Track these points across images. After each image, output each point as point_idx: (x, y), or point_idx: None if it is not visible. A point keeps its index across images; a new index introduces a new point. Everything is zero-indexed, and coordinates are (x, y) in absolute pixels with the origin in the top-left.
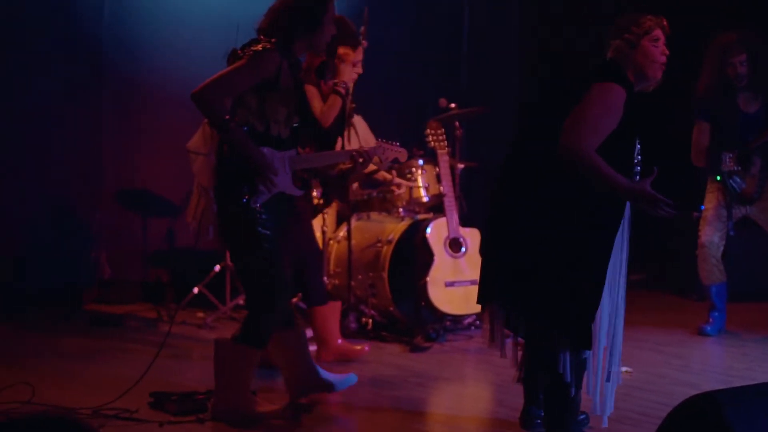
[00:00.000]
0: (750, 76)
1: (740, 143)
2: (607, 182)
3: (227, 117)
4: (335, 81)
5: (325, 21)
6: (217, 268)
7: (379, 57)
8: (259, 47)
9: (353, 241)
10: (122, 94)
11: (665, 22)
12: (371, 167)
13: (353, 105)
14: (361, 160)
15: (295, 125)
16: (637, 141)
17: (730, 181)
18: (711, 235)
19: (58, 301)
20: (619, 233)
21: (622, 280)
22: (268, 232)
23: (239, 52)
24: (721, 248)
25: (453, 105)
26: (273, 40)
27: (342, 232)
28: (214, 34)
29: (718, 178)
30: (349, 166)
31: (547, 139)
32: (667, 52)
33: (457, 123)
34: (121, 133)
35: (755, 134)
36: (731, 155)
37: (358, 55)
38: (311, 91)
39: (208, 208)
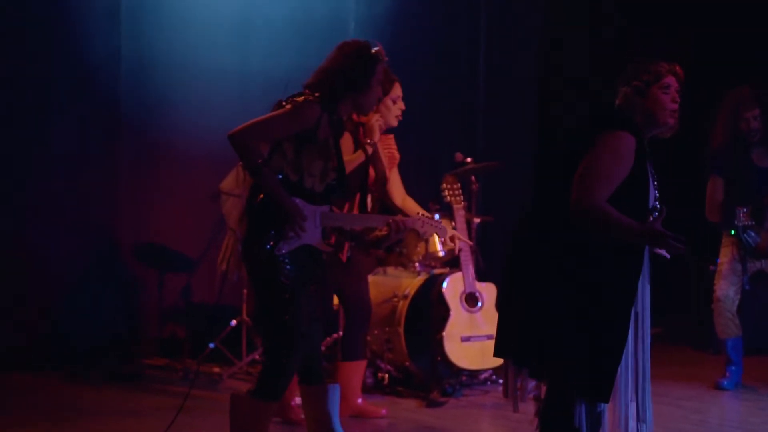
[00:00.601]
0: (763, 130)
1: (754, 198)
2: (620, 230)
3: (261, 161)
4: (368, 140)
5: (373, 83)
6: (234, 323)
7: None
8: (302, 99)
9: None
10: (139, 149)
11: (679, 69)
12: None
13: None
14: (396, 230)
15: (331, 182)
16: (655, 188)
17: (745, 235)
18: (726, 289)
19: (76, 355)
20: (639, 283)
21: (647, 334)
22: (288, 282)
23: (283, 102)
24: (737, 302)
25: (469, 159)
26: (317, 94)
27: None
28: (228, 90)
29: (733, 232)
30: (384, 233)
31: (560, 192)
32: (678, 100)
33: (473, 177)
34: (137, 187)
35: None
36: (745, 210)
37: (397, 91)
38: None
39: (235, 251)
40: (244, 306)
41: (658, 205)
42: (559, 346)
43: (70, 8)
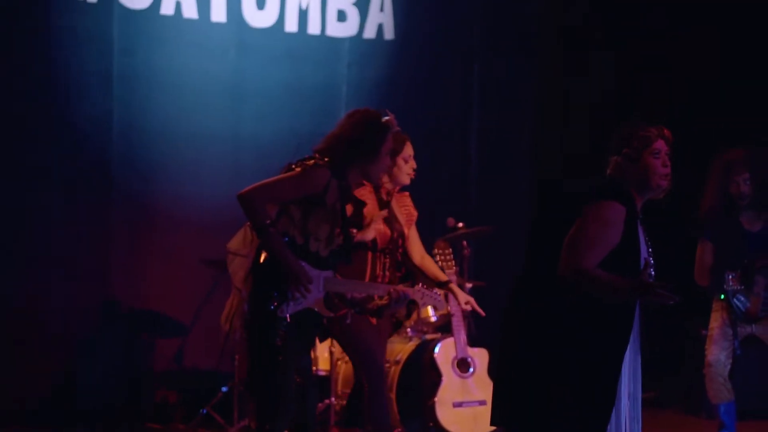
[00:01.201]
0: (753, 194)
1: (743, 262)
2: (609, 289)
3: (268, 222)
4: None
5: (382, 152)
6: (225, 388)
7: None
8: (311, 162)
9: None
10: (130, 213)
11: (666, 132)
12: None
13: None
14: (397, 299)
15: (337, 248)
16: (649, 255)
17: (734, 300)
18: (718, 354)
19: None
20: (629, 348)
21: (638, 398)
22: (282, 345)
23: (293, 165)
24: (728, 367)
25: (461, 224)
26: (326, 159)
27: None
28: (220, 154)
29: (722, 297)
30: (385, 302)
31: (551, 258)
32: (669, 163)
33: (464, 242)
34: (129, 251)
35: (759, 253)
36: (734, 274)
37: (408, 150)
38: (364, 193)
39: (239, 310)
40: (236, 371)
41: (652, 272)
42: (550, 413)
43: (62, 71)
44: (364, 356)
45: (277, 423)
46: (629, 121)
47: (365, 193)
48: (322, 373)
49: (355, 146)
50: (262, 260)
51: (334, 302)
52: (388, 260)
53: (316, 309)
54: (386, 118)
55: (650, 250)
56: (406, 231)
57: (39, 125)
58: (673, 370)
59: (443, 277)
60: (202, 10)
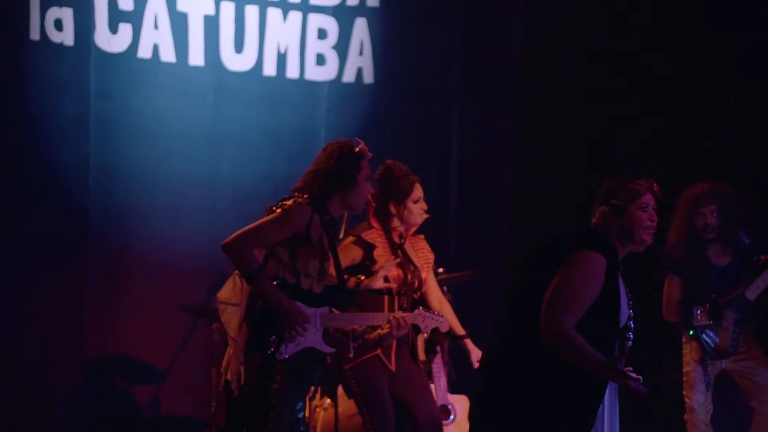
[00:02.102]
0: (719, 228)
1: (711, 297)
2: (583, 360)
3: (256, 267)
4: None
5: (360, 180)
6: None
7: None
8: (291, 202)
9: (340, 408)
10: (107, 258)
11: (656, 186)
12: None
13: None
14: (397, 326)
15: (331, 284)
16: (629, 307)
17: (703, 335)
18: (698, 398)
19: None
20: (607, 398)
21: None
22: (279, 389)
23: (274, 207)
24: (710, 411)
25: (441, 270)
26: (306, 195)
27: (329, 399)
28: (198, 199)
29: (691, 332)
30: (386, 331)
31: (532, 307)
32: (656, 218)
33: (444, 288)
34: (105, 297)
35: (727, 287)
36: (701, 309)
37: (418, 192)
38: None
39: (236, 359)
40: (213, 418)
41: (632, 325)
42: None
43: (38, 115)
44: (373, 407)
45: None
46: (620, 173)
47: (376, 237)
48: None
49: (332, 178)
50: (256, 306)
51: (334, 338)
52: (405, 304)
53: (315, 347)
54: (359, 146)
55: (631, 302)
56: (423, 275)
57: (13, 171)
58: (653, 416)
59: (460, 330)
60: (179, 54)
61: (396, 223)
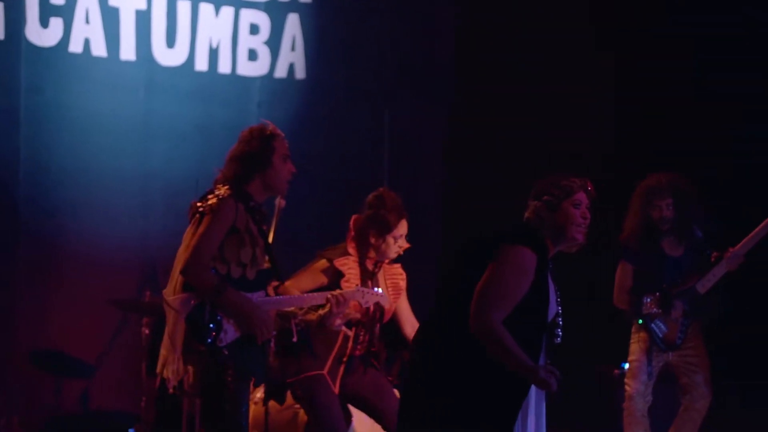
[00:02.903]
0: (674, 220)
1: (662, 287)
2: (508, 358)
3: (217, 284)
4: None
5: (275, 160)
6: (132, 430)
7: (294, 211)
8: (214, 200)
9: (270, 402)
10: (37, 253)
11: (590, 186)
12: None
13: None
14: (337, 303)
15: (264, 268)
16: (557, 304)
17: (652, 324)
18: (638, 387)
19: None
20: (533, 394)
21: None
22: (233, 376)
23: (198, 204)
24: (649, 401)
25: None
26: (226, 187)
27: (259, 393)
28: (129, 193)
29: (641, 321)
30: (327, 310)
31: (460, 302)
32: (588, 216)
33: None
34: (36, 292)
35: (679, 279)
36: (652, 298)
37: (402, 229)
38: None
39: (174, 357)
40: (142, 413)
41: (560, 321)
42: None
43: None
44: (321, 417)
45: None
46: (557, 172)
47: (349, 265)
48: None
49: (248, 162)
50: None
51: (276, 322)
52: (362, 334)
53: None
54: (269, 127)
55: (559, 299)
56: (388, 305)
57: None
58: (585, 409)
59: None
60: (111, 48)
61: (372, 253)
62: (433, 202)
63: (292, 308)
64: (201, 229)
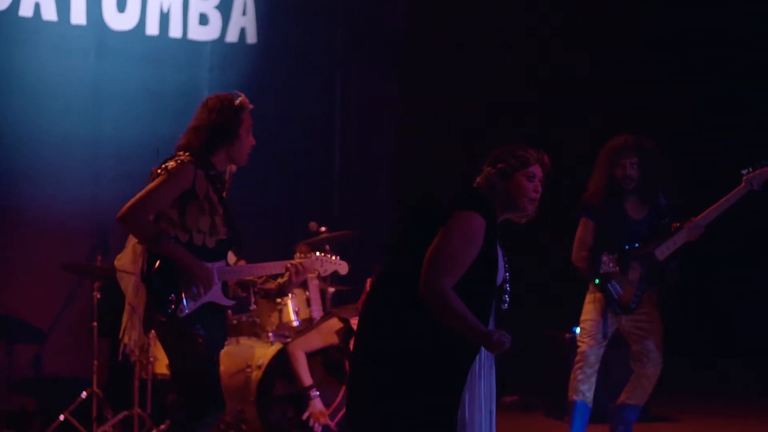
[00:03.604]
0: (638, 180)
1: (622, 248)
2: (461, 325)
3: (155, 233)
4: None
5: (242, 132)
6: (84, 394)
7: (247, 176)
8: (173, 163)
9: (222, 367)
10: None
11: (546, 159)
12: None
13: None
14: (296, 272)
15: (223, 237)
16: (505, 269)
17: (609, 285)
18: (593, 344)
19: None
20: (484, 362)
21: (493, 404)
22: (203, 341)
23: (158, 170)
24: (598, 364)
25: (323, 228)
26: (187, 153)
27: None
28: (80, 157)
29: (597, 281)
30: (286, 279)
31: (409, 268)
32: (540, 190)
33: (327, 246)
34: None
35: (639, 242)
36: (610, 257)
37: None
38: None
39: (133, 328)
40: (95, 377)
41: (507, 287)
42: (399, 420)
43: None
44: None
45: (205, 417)
46: (516, 142)
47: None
48: (161, 377)
49: (214, 132)
50: (153, 270)
51: (235, 291)
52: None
53: (215, 301)
54: (239, 98)
55: (507, 265)
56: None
57: None
58: (535, 373)
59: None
60: (61, 12)
61: None
62: (384, 166)
63: (251, 277)
64: (151, 184)
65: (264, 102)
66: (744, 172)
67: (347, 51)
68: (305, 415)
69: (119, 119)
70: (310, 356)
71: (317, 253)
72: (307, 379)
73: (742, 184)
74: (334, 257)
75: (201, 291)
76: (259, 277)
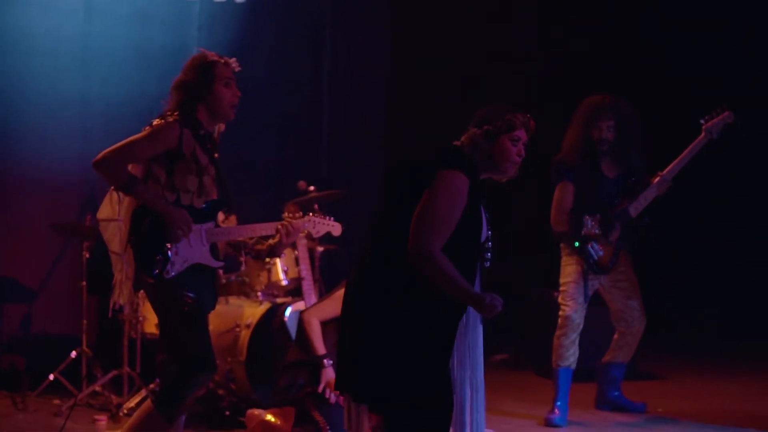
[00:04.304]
0: (614, 142)
1: (602, 208)
2: (451, 287)
3: (128, 176)
4: None
5: (216, 86)
6: (74, 354)
7: (235, 135)
8: (159, 120)
9: (211, 327)
10: None
11: (532, 123)
12: None
13: None
14: (287, 233)
15: (212, 198)
16: (488, 228)
17: (589, 247)
18: (576, 307)
19: None
20: (470, 333)
21: (480, 362)
22: (190, 302)
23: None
24: (581, 325)
25: (312, 188)
26: (176, 113)
27: None
28: (68, 116)
29: (577, 244)
30: (277, 240)
31: (397, 228)
32: (523, 154)
33: (316, 206)
34: None
35: (613, 201)
36: (593, 219)
37: None
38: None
39: (122, 278)
40: (84, 336)
41: (490, 245)
42: (393, 383)
43: None
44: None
45: (202, 376)
46: (502, 103)
47: None
48: (150, 337)
49: (190, 89)
50: (140, 227)
51: (226, 252)
52: None
53: (203, 262)
54: (208, 55)
55: (490, 225)
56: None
57: None
58: (525, 332)
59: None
60: None
61: None
62: (373, 126)
63: (242, 238)
64: (132, 137)
65: (253, 60)
66: (702, 121)
67: (336, 9)
68: (320, 387)
69: (107, 78)
70: (324, 324)
71: (310, 214)
72: (320, 348)
73: (702, 134)
74: (327, 218)
75: (183, 233)
76: (250, 238)
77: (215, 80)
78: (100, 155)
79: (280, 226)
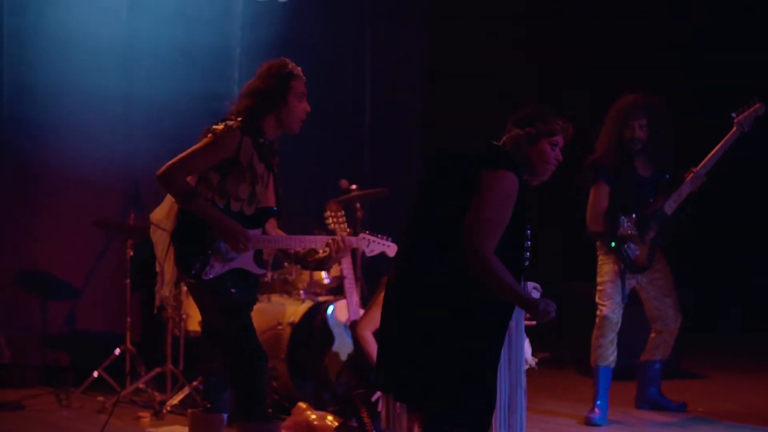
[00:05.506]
0: (646, 141)
1: (637, 207)
2: (506, 291)
3: (190, 190)
4: None
5: (290, 98)
6: (117, 351)
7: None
8: (221, 126)
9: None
10: (21, 174)
11: (570, 130)
12: None
13: None
14: (337, 249)
15: (264, 206)
16: (527, 226)
17: (625, 247)
18: (613, 307)
19: None
20: (514, 315)
21: (522, 366)
22: (235, 302)
23: (208, 131)
24: (619, 324)
25: (354, 186)
26: (239, 119)
27: None
28: (112, 115)
29: (613, 244)
30: (326, 254)
31: (441, 223)
32: (561, 159)
33: (357, 204)
34: (20, 214)
35: (648, 199)
36: (629, 219)
37: None
38: None
39: (164, 284)
40: (128, 334)
41: (528, 243)
42: (436, 381)
43: None
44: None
45: (257, 379)
46: (543, 105)
47: None
48: (193, 334)
49: (263, 97)
50: (182, 228)
51: (277, 257)
52: None
53: (245, 268)
54: (289, 65)
55: (528, 225)
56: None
57: None
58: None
59: None
60: None
61: None
62: (414, 122)
63: (289, 249)
64: (195, 146)
65: (295, 58)
66: (733, 114)
67: (376, 4)
68: (374, 397)
69: (151, 76)
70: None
71: (367, 232)
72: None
73: (734, 128)
74: (382, 238)
75: (243, 250)
76: (302, 250)
77: (290, 92)
78: (163, 168)
79: (331, 242)
